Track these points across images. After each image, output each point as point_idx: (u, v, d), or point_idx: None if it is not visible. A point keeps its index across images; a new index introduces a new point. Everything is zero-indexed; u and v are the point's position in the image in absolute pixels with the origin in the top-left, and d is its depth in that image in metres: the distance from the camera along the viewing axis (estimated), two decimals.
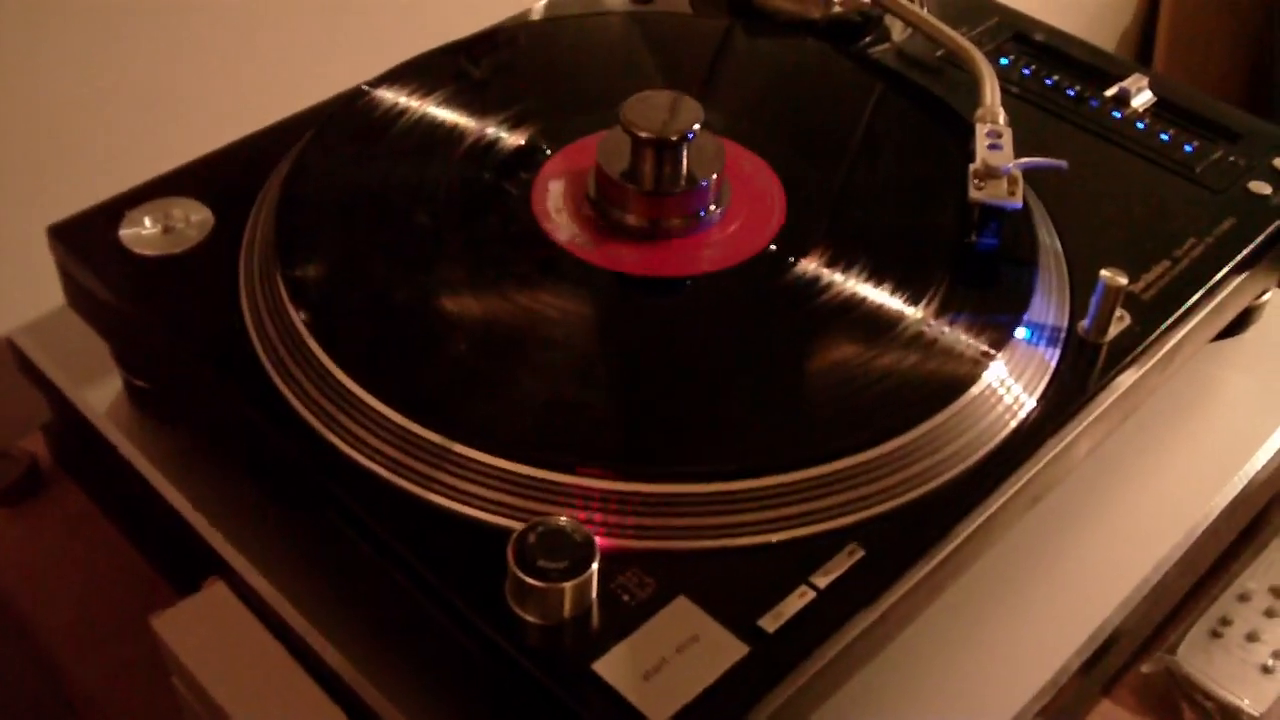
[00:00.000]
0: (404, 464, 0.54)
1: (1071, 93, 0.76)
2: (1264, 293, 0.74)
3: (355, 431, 0.55)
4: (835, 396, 0.57)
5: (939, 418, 0.55)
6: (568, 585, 0.48)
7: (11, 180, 0.80)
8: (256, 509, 0.62)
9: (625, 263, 0.62)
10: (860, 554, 0.52)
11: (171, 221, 0.64)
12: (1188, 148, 0.72)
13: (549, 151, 0.68)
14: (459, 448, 0.53)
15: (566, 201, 0.65)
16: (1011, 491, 0.56)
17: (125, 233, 0.64)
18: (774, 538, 0.52)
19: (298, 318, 0.58)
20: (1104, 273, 0.59)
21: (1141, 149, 0.72)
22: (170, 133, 0.84)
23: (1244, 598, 0.72)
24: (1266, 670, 0.69)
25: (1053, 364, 0.60)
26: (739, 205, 0.65)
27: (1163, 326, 0.62)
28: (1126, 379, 0.61)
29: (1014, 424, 0.57)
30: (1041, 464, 0.57)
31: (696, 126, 0.62)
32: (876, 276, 0.62)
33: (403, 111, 0.70)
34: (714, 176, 0.64)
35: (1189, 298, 0.64)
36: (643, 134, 0.62)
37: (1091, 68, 0.78)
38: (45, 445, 0.76)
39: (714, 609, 0.49)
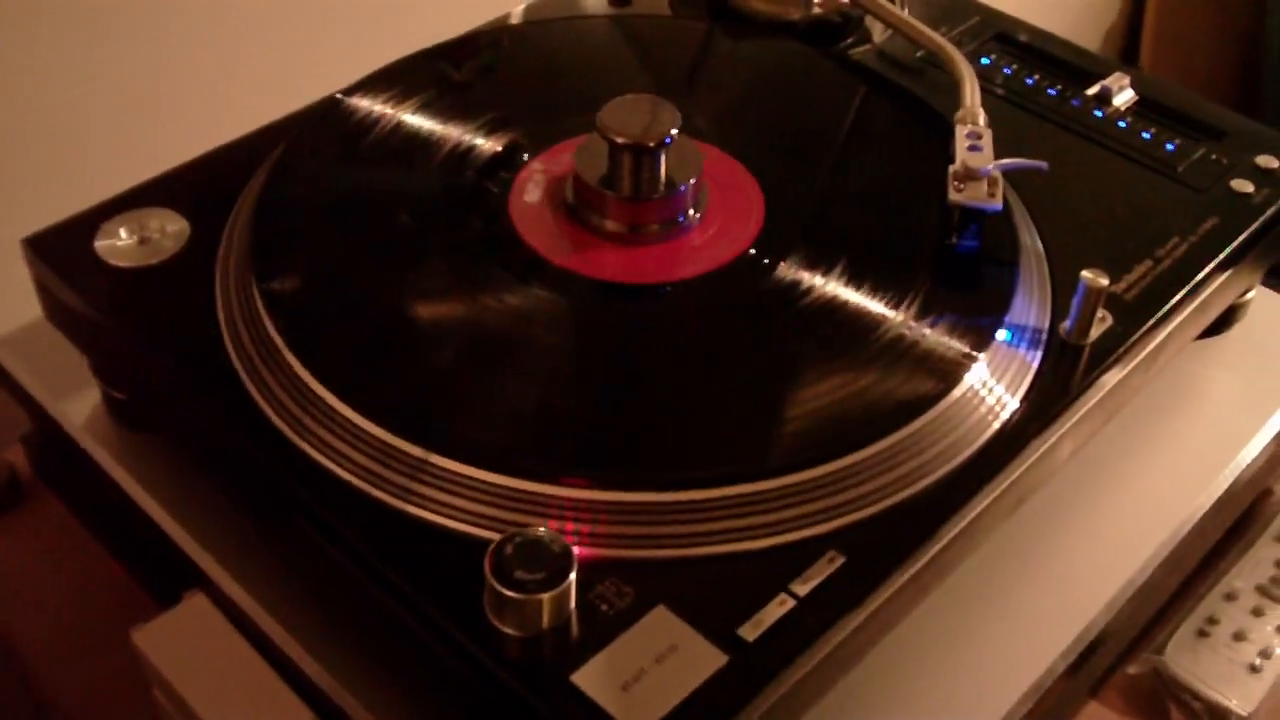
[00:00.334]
0: (380, 475, 0.53)
1: (1053, 92, 0.76)
2: (1248, 290, 0.74)
3: (331, 443, 0.54)
4: (814, 402, 0.56)
5: (919, 422, 0.55)
6: (545, 596, 0.48)
7: None
8: (236, 521, 0.61)
9: (603, 269, 0.62)
10: (840, 561, 0.51)
11: (147, 232, 0.64)
12: (1170, 146, 0.72)
13: (526, 157, 0.67)
14: (436, 458, 0.53)
15: (544, 208, 0.65)
16: (994, 496, 0.56)
17: (101, 244, 0.64)
18: (753, 545, 0.52)
19: (273, 328, 0.58)
20: (1085, 274, 0.59)
21: (1123, 148, 0.72)
22: (146, 142, 0.83)
23: (1231, 597, 0.72)
24: (1254, 669, 0.69)
25: (1035, 366, 0.60)
26: (717, 209, 0.65)
27: (1145, 327, 0.62)
28: (1109, 380, 0.61)
29: (995, 427, 0.57)
30: (1024, 467, 0.57)
31: (674, 131, 0.62)
32: (856, 280, 0.61)
33: (378, 119, 0.69)
34: (692, 181, 0.63)
35: (1171, 298, 0.63)
36: (620, 139, 0.61)
37: (1073, 67, 0.78)
38: (25, 456, 0.76)
39: (693, 618, 0.49)
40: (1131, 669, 0.70)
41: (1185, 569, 0.73)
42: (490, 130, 0.69)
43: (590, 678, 0.47)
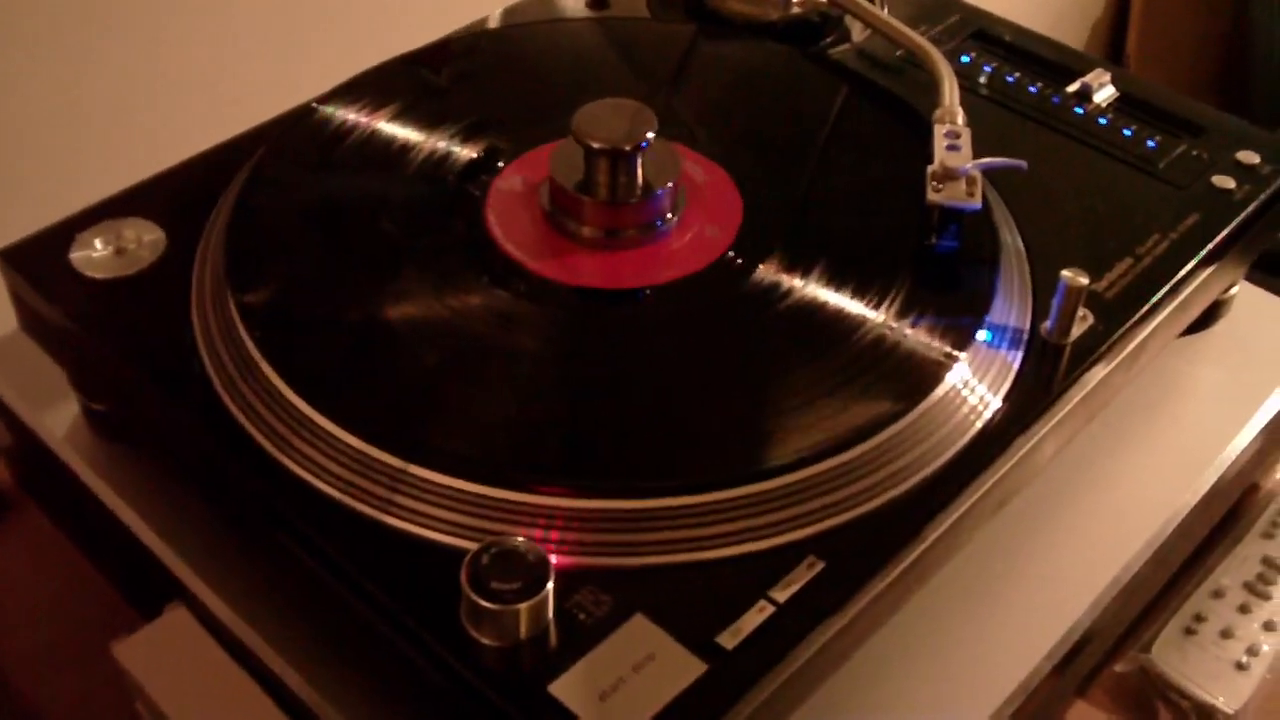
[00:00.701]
0: (358, 486, 0.53)
1: (1033, 89, 0.75)
2: (1231, 287, 0.74)
3: (307, 454, 0.54)
4: (794, 406, 0.56)
5: (899, 425, 0.55)
6: (522, 606, 0.47)
7: None
8: (217, 533, 0.61)
9: (581, 274, 0.62)
10: (820, 566, 0.51)
11: (123, 243, 0.64)
12: (1150, 143, 0.72)
13: (501, 164, 0.67)
14: (413, 469, 0.53)
15: (521, 213, 0.64)
16: (975, 498, 0.56)
17: (76, 255, 0.63)
18: (732, 552, 0.51)
19: (249, 339, 0.57)
20: (1065, 273, 0.59)
21: (1104, 145, 0.72)
22: (121, 152, 0.83)
23: (1218, 594, 0.72)
24: (1241, 667, 0.69)
25: (1016, 366, 0.59)
26: (695, 212, 0.65)
27: (1126, 325, 0.62)
28: (1091, 379, 0.61)
29: (977, 428, 0.57)
30: (1005, 469, 0.57)
31: (650, 135, 0.61)
32: (835, 281, 0.61)
33: (354, 126, 0.69)
34: (669, 184, 0.63)
35: (1153, 295, 0.63)
36: (595, 144, 0.61)
37: (1053, 64, 0.77)
38: (6, 468, 0.75)
39: (671, 626, 0.49)
40: (1119, 667, 0.70)
41: (1172, 566, 0.73)
42: (467, 136, 0.69)
43: (568, 687, 0.47)
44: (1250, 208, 0.68)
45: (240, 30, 0.91)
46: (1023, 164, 0.65)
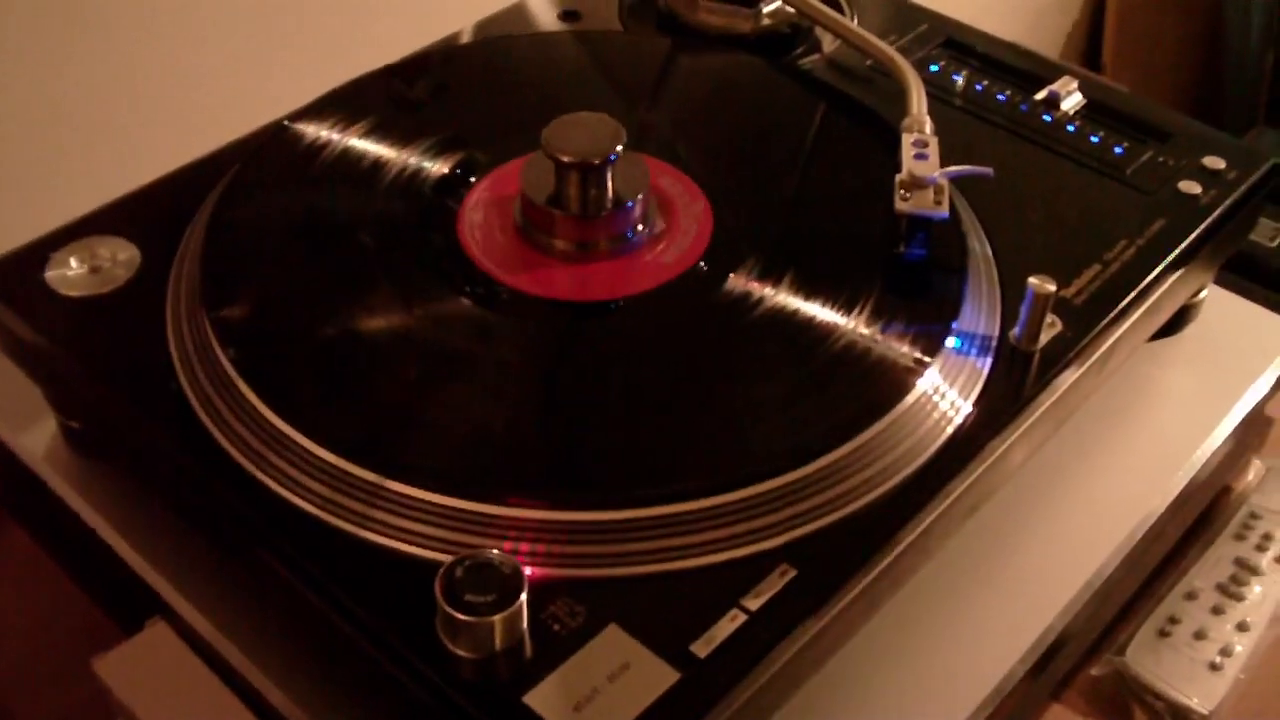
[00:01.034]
0: (334, 501, 0.53)
1: (1002, 97, 0.76)
2: (1199, 291, 0.75)
3: (284, 470, 0.54)
4: (765, 415, 0.56)
5: (869, 433, 0.55)
6: (496, 618, 0.48)
7: None
8: (196, 548, 0.61)
9: (553, 287, 0.62)
10: (792, 574, 0.51)
11: (98, 261, 0.64)
12: (1118, 149, 0.73)
13: (473, 180, 0.67)
14: (389, 483, 0.53)
15: (494, 227, 0.65)
16: (945, 504, 0.56)
17: (51, 274, 0.63)
18: (704, 561, 0.52)
19: (224, 356, 0.58)
20: (1032, 280, 0.59)
21: (1072, 152, 0.72)
22: (96, 169, 0.83)
23: (1191, 596, 0.73)
24: (1215, 668, 0.69)
25: (985, 372, 0.60)
26: (666, 223, 0.65)
27: (1094, 331, 0.62)
28: (1060, 384, 0.61)
29: (947, 435, 0.57)
30: (975, 475, 0.57)
31: (619, 148, 0.62)
32: (805, 290, 0.62)
33: (328, 142, 0.69)
34: (639, 196, 0.64)
35: (1120, 301, 0.64)
36: (565, 158, 0.61)
37: (1022, 71, 0.78)
38: None
39: (645, 636, 0.49)
40: (1094, 670, 0.70)
41: (1145, 569, 0.73)
42: (442, 150, 0.69)
43: (543, 698, 0.47)
44: (1216, 212, 0.69)
45: (213, 46, 0.91)
46: (989, 171, 0.66)
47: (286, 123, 0.71)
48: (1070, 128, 0.74)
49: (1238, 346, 0.77)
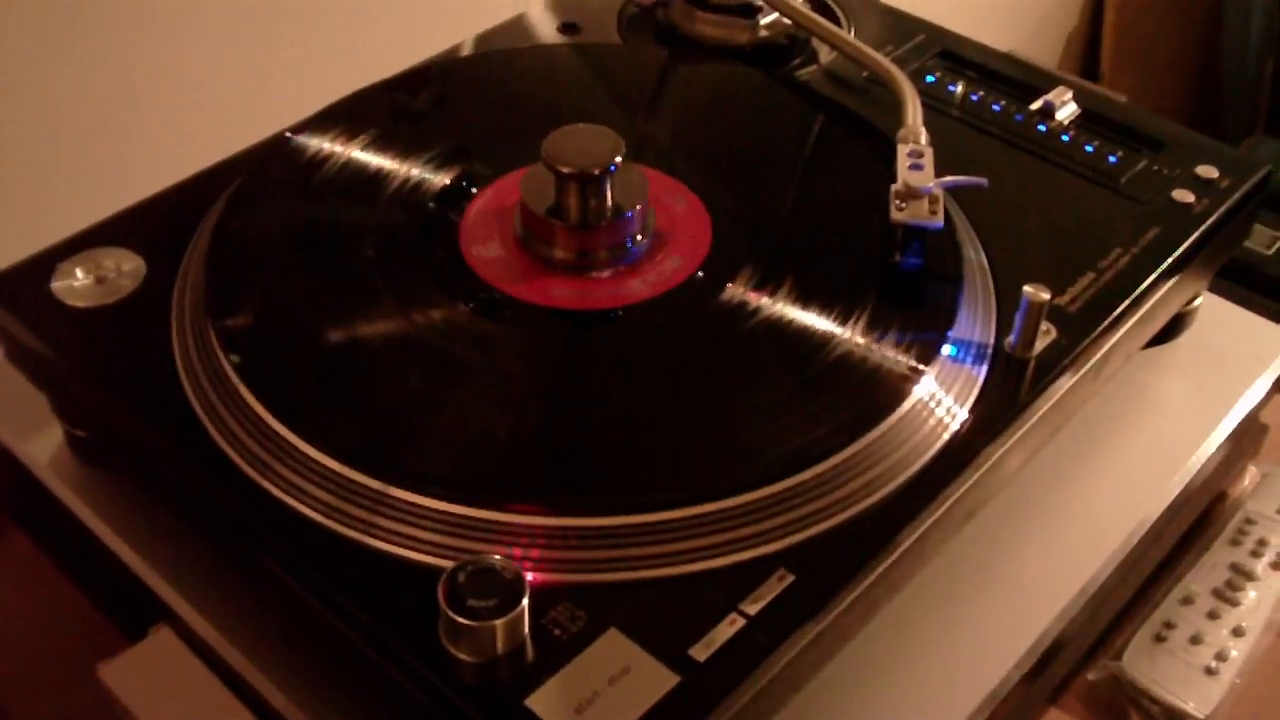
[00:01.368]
0: (338, 509, 0.54)
1: (997, 108, 0.77)
2: (1194, 298, 0.75)
3: (288, 478, 0.55)
4: (763, 421, 0.57)
5: (865, 440, 0.56)
6: (498, 623, 0.48)
7: None
8: (201, 555, 0.62)
9: (554, 296, 0.63)
10: (790, 579, 0.52)
11: (104, 272, 0.65)
12: (1112, 159, 0.73)
13: (474, 190, 0.68)
14: (393, 491, 0.54)
15: (495, 238, 0.65)
16: (943, 509, 0.57)
17: (58, 285, 0.64)
18: (704, 566, 0.52)
19: (229, 365, 0.58)
20: (1026, 289, 0.60)
21: (1067, 162, 0.73)
22: (101, 181, 0.84)
23: (1187, 601, 0.73)
24: (1210, 672, 0.70)
25: (981, 380, 0.60)
26: (665, 234, 0.66)
27: (1089, 338, 0.63)
28: (1056, 391, 0.62)
29: (943, 441, 0.58)
30: (971, 481, 0.58)
31: (618, 159, 0.63)
32: (802, 299, 0.62)
33: (331, 154, 0.70)
34: (638, 207, 0.64)
35: (1114, 309, 0.64)
36: (565, 169, 0.62)
37: (1017, 82, 0.79)
38: None
39: (645, 640, 0.50)
40: (1091, 675, 0.71)
41: (1142, 575, 0.74)
42: (443, 162, 0.70)
43: (544, 701, 0.48)
44: (1209, 221, 0.70)
45: (217, 61, 0.92)
46: (984, 182, 0.66)
47: (289, 135, 0.71)
48: (1065, 137, 0.75)
49: (1233, 353, 0.77)
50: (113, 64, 0.86)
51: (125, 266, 0.65)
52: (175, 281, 0.64)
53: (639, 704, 0.48)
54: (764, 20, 0.81)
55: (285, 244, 0.66)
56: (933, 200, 0.64)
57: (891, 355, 0.60)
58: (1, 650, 0.71)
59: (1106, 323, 0.64)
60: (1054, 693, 0.70)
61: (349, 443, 0.55)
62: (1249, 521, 0.78)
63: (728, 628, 0.50)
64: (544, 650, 0.50)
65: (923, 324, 0.61)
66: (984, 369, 0.61)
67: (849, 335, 0.61)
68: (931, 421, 0.58)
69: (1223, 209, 0.71)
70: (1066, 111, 0.76)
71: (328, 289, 0.63)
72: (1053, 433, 0.64)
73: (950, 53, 0.81)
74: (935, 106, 0.76)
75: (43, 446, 0.69)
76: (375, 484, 0.54)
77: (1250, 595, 0.73)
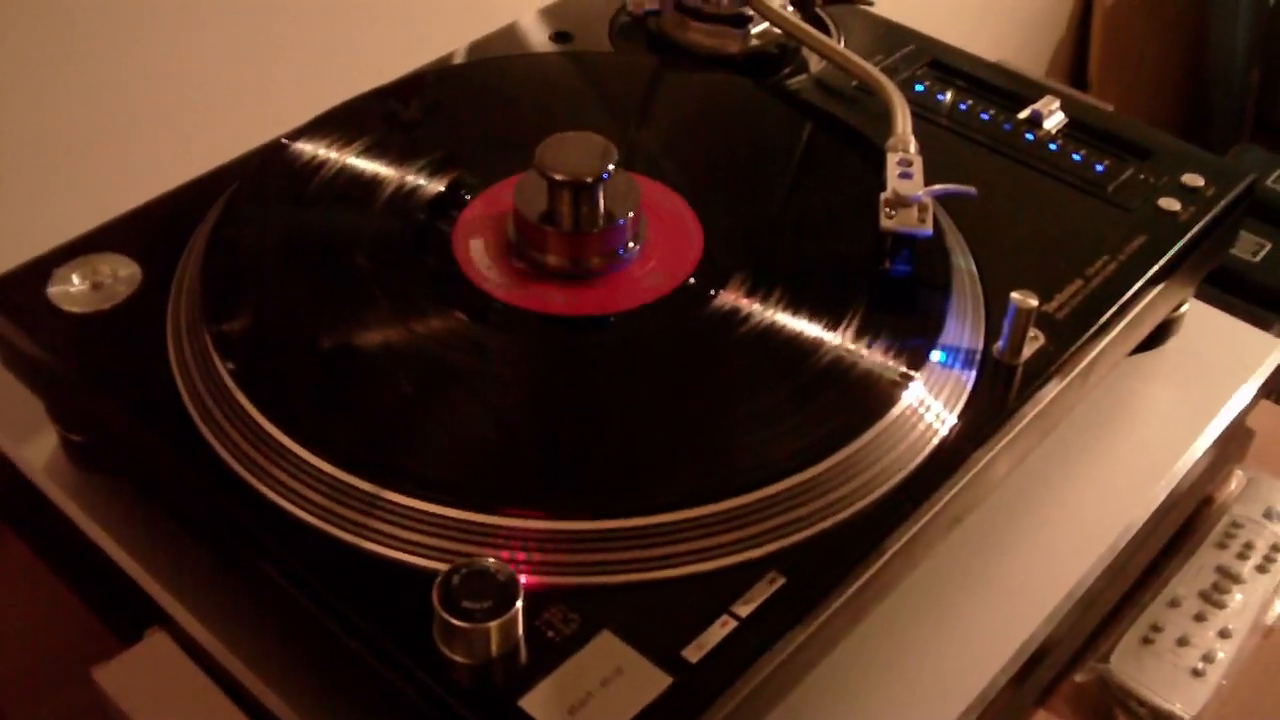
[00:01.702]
0: (333, 512, 0.54)
1: (986, 117, 0.77)
2: (1180, 305, 0.76)
3: (284, 481, 0.55)
4: (755, 426, 0.58)
5: (855, 445, 0.56)
6: (492, 625, 0.49)
7: None
8: (195, 558, 0.62)
9: (546, 303, 0.63)
10: (781, 582, 0.52)
11: (100, 277, 0.65)
12: (1099, 167, 0.74)
13: (469, 197, 0.69)
14: (387, 494, 0.54)
15: (489, 245, 0.66)
16: (932, 513, 0.57)
17: (54, 290, 0.64)
18: (696, 569, 0.53)
19: (224, 370, 0.59)
20: (1014, 295, 0.61)
21: (1055, 170, 0.74)
22: (96, 187, 0.84)
23: (1174, 604, 0.74)
24: (1197, 674, 0.70)
25: (969, 386, 0.61)
26: (657, 241, 0.66)
27: (1076, 345, 0.64)
28: (1043, 397, 0.62)
29: (932, 446, 0.58)
30: (959, 486, 0.58)
31: (611, 166, 0.63)
32: (793, 306, 0.63)
33: (325, 161, 0.70)
34: (630, 214, 0.65)
35: (1102, 315, 0.65)
36: (558, 176, 0.63)
37: (1005, 91, 0.79)
38: None
39: (637, 642, 0.50)
40: (1078, 677, 0.71)
41: (1129, 578, 0.75)
42: (436, 169, 0.70)
43: (538, 703, 0.48)
44: (1195, 229, 0.70)
45: (212, 67, 0.92)
46: (972, 190, 0.67)
47: (284, 141, 0.72)
48: (1052, 146, 0.75)
49: (1219, 360, 0.78)
50: (109, 71, 0.87)
51: (121, 272, 0.65)
52: (171, 287, 0.65)
53: (632, 705, 0.48)
54: (755, 29, 0.81)
55: (280, 250, 0.66)
56: (922, 208, 0.65)
57: (881, 361, 0.60)
58: None
59: (1094, 329, 0.64)
60: (1042, 695, 0.71)
61: (343, 446, 0.56)
62: (1235, 525, 0.78)
63: (719, 630, 0.51)
64: (538, 652, 0.50)
65: (912, 331, 0.62)
66: (972, 375, 0.61)
67: (839, 341, 0.61)
68: (920, 427, 0.59)
69: (1209, 217, 0.71)
70: (1054, 120, 0.77)
71: (322, 294, 0.64)
72: (1041, 438, 0.65)
73: (939, 62, 0.82)
74: (924, 115, 0.76)
75: (38, 451, 0.69)
76: (370, 487, 0.54)
77: (1236, 598, 0.74)
